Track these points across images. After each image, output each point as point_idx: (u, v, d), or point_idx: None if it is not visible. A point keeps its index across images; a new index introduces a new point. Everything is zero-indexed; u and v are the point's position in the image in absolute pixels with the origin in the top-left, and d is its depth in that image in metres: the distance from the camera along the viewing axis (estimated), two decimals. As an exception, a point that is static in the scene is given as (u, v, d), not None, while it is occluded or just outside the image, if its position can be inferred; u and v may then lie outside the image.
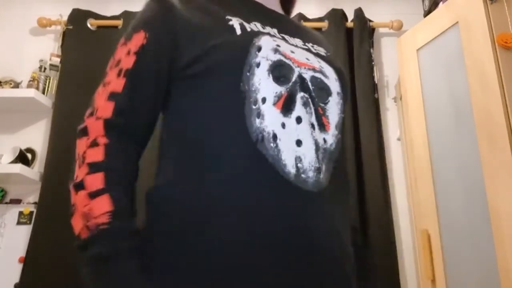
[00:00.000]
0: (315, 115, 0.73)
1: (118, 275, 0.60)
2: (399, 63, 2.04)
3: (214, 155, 0.68)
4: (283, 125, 0.69)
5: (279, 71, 0.72)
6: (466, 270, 1.55)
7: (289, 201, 0.66)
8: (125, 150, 0.70)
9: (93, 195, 0.64)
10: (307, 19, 2.42)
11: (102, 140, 0.68)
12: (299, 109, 0.71)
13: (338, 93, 0.79)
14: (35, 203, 2.14)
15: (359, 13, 2.42)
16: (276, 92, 0.71)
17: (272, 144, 0.68)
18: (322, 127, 0.74)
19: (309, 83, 0.75)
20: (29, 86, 2.23)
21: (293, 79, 0.73)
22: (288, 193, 0.66)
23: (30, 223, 2.10)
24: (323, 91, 0.76)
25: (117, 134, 0.70)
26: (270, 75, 0.72)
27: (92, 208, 0.63)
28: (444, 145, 1.71)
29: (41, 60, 2.32)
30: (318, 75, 0.77)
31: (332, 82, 0.79)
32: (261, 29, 0.78)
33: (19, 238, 2.10)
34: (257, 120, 0.68)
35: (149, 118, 0.75)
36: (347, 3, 2.49)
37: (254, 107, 0.69)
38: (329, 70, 0.80)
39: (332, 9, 2.44)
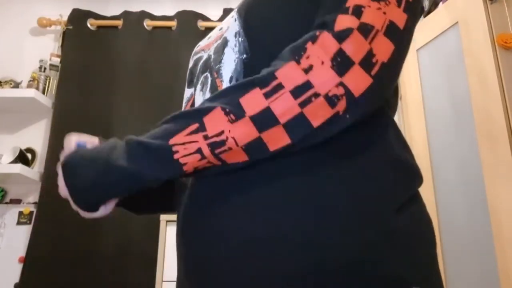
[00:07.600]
0: (210, 87, 0.64)
1: None
2: (399, 63, 2.04)
3: None
4: None
5: (190, 75, 0.73)
6: (466, 270, 1.55)
7: None
8: None
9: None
10: (307, 19, 2.42)
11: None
12: (197, 102, 0.67)
13: (236, 34, 0.63)
14: (35, 203, 2.14)
15: (359, 13, 2.42)
16: (187, 97, 0.72)
17: None
18: (216, 91, 0.63)
19: (212, 56, 0.66)
20: (29, 86, 2.23)
21: (198, 70, 0.69)
22: None
23: (30, 223, 2.10)
24: (220, 50, 0.65)
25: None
26: (186, 82, 0.74)
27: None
28: (444, 145, 1.71)
29: (41, 60, 2.32)
30: (220, 40, 0.67)
31: (231, 30, 0.65)
32: (216, 31, 0.71)
33: (19, 238, 2.10)
34: None
35: None
36: (347, 3, 2.49)
37: None
38: (232, 21, 0.66)
39: (332, 9, 2.44)
